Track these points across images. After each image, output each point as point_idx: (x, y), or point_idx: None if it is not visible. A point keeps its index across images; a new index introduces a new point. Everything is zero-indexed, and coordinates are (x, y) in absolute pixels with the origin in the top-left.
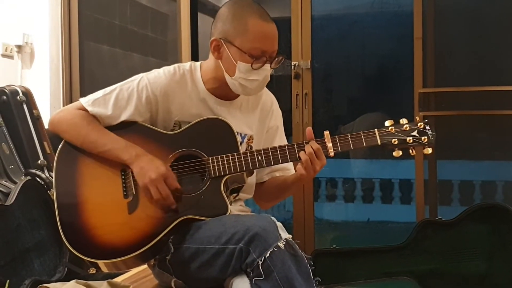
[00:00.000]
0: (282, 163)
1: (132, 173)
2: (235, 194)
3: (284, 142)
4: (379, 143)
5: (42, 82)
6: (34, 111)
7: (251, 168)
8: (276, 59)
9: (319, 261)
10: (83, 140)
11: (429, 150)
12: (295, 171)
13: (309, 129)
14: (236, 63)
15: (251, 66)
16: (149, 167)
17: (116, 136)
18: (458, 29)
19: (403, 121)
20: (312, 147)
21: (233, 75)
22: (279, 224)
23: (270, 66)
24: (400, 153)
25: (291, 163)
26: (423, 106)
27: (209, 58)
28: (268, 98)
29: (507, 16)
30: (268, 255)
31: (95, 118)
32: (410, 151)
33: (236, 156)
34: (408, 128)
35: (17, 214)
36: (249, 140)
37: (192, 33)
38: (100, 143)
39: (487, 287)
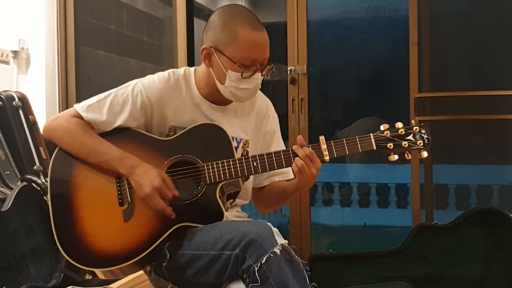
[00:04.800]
0: (277, 169)
1: (128, 180)
2: (231, 200)
3: (282, 146)
4: (375, 148)
5: (38, 87)
6: (30, 117)
7: (246, 174)
8: (268, 66)
9: (315, 266)
10: (79, 148)
11: (424, 154)
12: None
13: (299, 137)
14: (227, 72)
15: (241, 75)
16: (143, 181)
17: (112, 145)
18: (454, 34)
19: (399, 125)
20: (305, 152)
21: (224, 83)
22: (275, 229)
23: (261, 74)
24: (396, 157)
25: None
26: (419, 111)
27: (202, 64)
28: (263, 102)
29: (502, 21)
30: (264, 261)
31: (90, 125)
32: (406, 155)
33: (231, 162)
34: (403, 132)
35: (13, 220)
36: (244, 145)
37: (188, 38)
38: (95, 152)
39: None
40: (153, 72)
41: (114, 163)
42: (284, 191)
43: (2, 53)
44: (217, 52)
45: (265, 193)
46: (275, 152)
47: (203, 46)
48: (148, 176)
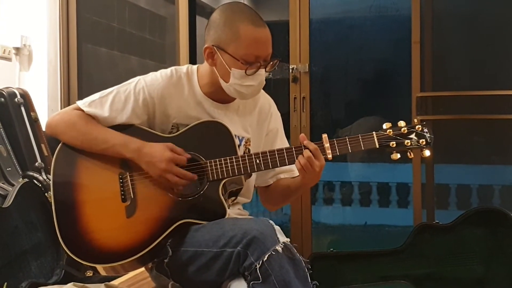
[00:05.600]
0: (280, 166)
1: (130, 176)
2: (233, 198)
3: (285, 144)
4: (377, 146)
5: (40, 84)
6: (31, 114)
7: (249, 171)
8: (271, 62)
9: (316, 265)
10: (83, 139)
11: (427, 153)
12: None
13: (302, 136)
14: (230, 69)
15: (245, 72)
16: (155, 159)
17: (115, 131)
18: (456, 33)
19: (401, 123)
20: (309, 149)
21: (228, 81)
22: (277, 227)
23: (265, 70)
24: (398, 156)
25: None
26: (421, 110)
27: (205, 62)
28: (266, 101)
29: (504, 21)
30: (266, 258)
31: (92, 117)
32: (408, 154)
33: (234, 160)
34: (406, 131)
35: (15, 216)
36: (246, 142)
37: (190, 36)
38: (99, 140)
39: None
40: (155, 70)
41: (119, 149)
42: (288, 189)
43: (4, 50)
44: (219, 50)
45: (271, 191)
46: (277, 150)
47: (206, 45)
48: (157, 152)
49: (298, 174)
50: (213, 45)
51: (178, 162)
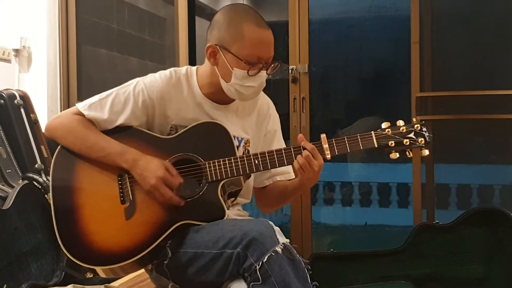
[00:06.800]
0: (279, 166)
1: (129, 178)
2: (232, 199)
3: (283, 145)
4: (376, 145)
5: (39, 86)
6: (31, 115)
7: (248, 172)
8: (272, 65)
9: (316, 265)
10: (80, 145)
11: (426, 152)
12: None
13: (300, 136)
14: (232, 69)
15: (247, 72)
16: (147, 173)
17: (112, 140)
18: (455, 33)
19: (400, 123)
20: (307, 149)
21: (229, 81)
22: (276, 228)
23: (266, 72)
24: (397, 155)
25: (291, 166)
26: (420, 110)
27: (205, 63)
28: (265, 102)
29: (504, 21)
30: (265, 259)
31: (91, 122)
32: (407, 153)
33: (232, 160)
34: (404, 130)
35: (14, 218)
36: (246, 144)
37: (190, 37)
38: (97, 148)
39: None
40: (154, 71)
41: (115, 158)
42: (286, 190)
43: (4, 52)
44: (222, 49)
45: (266, 193)
46: (276, 150)
47: (208, 44)
48: (151, 168)
49: (294, 176)
50: (216, 44)
51: (169, 183)
